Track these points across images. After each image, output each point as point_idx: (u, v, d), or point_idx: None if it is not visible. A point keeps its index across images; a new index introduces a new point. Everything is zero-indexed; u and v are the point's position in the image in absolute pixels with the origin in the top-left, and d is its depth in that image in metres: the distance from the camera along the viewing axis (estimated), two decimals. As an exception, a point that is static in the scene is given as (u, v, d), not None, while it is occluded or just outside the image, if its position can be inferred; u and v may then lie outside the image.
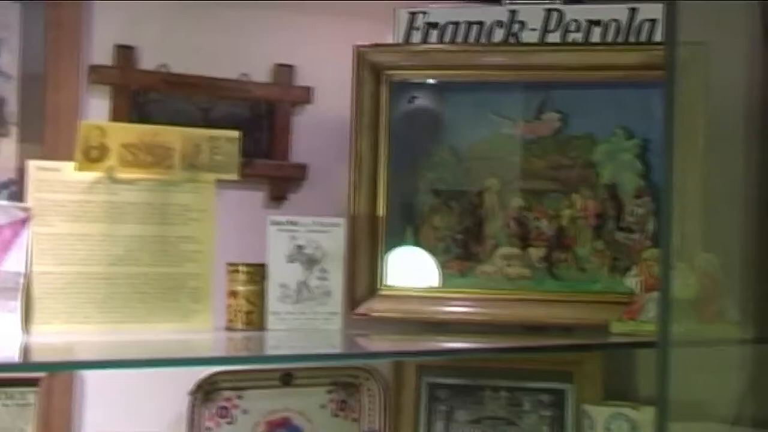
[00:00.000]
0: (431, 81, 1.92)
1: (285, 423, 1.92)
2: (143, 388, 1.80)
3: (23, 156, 1.73)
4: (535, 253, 1.86)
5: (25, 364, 1.45)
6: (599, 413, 1.84)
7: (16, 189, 1.73)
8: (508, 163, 1.89)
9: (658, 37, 1.84)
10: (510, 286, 1.86)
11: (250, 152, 1.83)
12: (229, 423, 1.87)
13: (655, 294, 1.74)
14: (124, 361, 1.47)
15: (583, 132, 1.88)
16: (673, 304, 1.47)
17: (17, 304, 1.58)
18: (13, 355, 1.47)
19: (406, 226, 1.91)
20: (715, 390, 1.65)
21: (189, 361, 1.53)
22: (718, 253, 1.68)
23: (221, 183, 1.73)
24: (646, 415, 1.82)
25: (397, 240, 1.90)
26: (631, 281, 1.76)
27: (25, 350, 1.51)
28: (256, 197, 1.93)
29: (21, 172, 1.73)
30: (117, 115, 1.82)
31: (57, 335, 1.59)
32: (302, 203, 1.94)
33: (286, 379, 1.91)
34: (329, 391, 1.94)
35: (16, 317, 1.57)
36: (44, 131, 1.76)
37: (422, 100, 1.93)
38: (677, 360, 1.47)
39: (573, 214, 1.86)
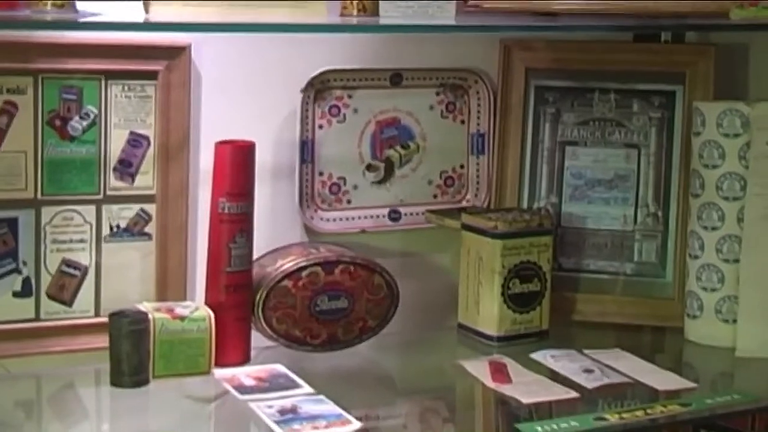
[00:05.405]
0: None
1: (394, 122, 1.94)
2: (257, 84, 1.82)
3: None
4: (653, -57, 1.81)
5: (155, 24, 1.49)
6: (711, 109, 1.83)
7: None
8: None
9: None
10: (625, -23, 1.82)
11: None
12: (340, 122, 1.90)
13: (779, -21, 1.70)
14: (247, 24, 1.48)
15: None
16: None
17: (137, -18, 1.60)
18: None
19: None
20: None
21: (304, 27, 1.55)
22: None
23: None
24: (759, 111, 1.80)
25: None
26: (755, -34, 1.72)
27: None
28: None
29: None
30: None
31: (176, 14, 1.61)
32: None
33: (396, 79, 1.92)
34: (438, 93, 1.96)
35: (137, -5, 1.60)
36: None
37: None
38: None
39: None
